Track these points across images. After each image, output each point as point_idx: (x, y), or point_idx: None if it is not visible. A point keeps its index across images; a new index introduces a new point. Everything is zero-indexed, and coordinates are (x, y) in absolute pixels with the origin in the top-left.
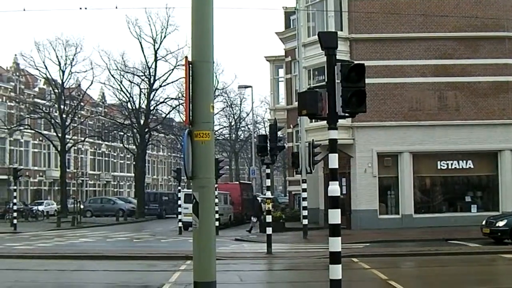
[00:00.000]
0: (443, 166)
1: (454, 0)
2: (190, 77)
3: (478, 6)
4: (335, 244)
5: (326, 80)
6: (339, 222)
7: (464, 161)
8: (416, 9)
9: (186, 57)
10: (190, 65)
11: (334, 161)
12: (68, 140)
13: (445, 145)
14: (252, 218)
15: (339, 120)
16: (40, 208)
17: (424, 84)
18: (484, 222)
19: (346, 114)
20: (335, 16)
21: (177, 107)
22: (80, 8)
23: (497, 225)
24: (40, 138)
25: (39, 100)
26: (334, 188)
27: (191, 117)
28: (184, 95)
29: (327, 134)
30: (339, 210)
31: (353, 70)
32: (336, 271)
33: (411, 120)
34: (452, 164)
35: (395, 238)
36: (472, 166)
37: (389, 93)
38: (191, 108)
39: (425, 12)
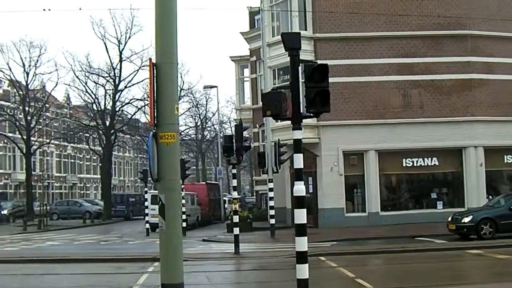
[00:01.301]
0: (409, 164)
1: None
2: (155, 79)
3: (441, 4)
4: (302, 243)
5: (290, 80)
6: (305, 221)
7: (429, 158)
8: (379, 9)
9: (150, 59)
10: (154, 67)
11: (299, 161)
12: (33, 142)
13: (410, 142)
14: None
15: (305, 120)
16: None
17: (388, 83)
18: (450, 219)
19: (311, 114)
20: (299, 15)
21: (143, 108)
22: (44, 10)
23: (462, 221)
24: (5, 141)
25: (3, 102)
26: (300, 188)
27: (155, 119)
28: (149, 96)
29: (292, 133)
30: (305, 210)
31: (316, 70)
32: (303, 271)
33: (376, 119)
34: (417, 161)
35: (362, 236)
36: (437, 163)
37: (354, 91)
38: (155, 109)
39: (389, 11)
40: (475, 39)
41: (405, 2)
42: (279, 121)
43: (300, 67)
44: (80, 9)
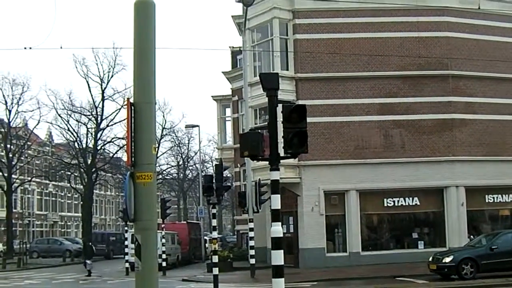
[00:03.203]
0: (390, 203)
1: (398, 39)
2: (132, 118)
3: (422, 45)
4: (279, 285)
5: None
6: (282, 263)
7: (411, 198)
8: (361, 49)
9: (128, 99)
10: (132, 106)
11: (276, 202)
12: (14, 180)
13: (391, 182)
14: (86, 260)
15: (286, 159)
16: None
17: (369, 123)
18: (431, 259)
19: (288, 155)
20: (281, 56)
21: (125, 146)
22: (25, 48)
23: (443, 261)
24: None
25: None
26: (277, 229)
27: (133, 159)
28: (126, 136)
29: (270, 174)
30: (282, 251)
31: (294, 111)
32: None
33: (357, 158)
34: (398, 201)
35: (343, 276)
36: (418, 203)
37: (335, 131)
38: (133, 149)
39: (370, 52)
40: (456, 79)
41: (386, 43)
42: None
43: (278, 108)
44: (61, 47)
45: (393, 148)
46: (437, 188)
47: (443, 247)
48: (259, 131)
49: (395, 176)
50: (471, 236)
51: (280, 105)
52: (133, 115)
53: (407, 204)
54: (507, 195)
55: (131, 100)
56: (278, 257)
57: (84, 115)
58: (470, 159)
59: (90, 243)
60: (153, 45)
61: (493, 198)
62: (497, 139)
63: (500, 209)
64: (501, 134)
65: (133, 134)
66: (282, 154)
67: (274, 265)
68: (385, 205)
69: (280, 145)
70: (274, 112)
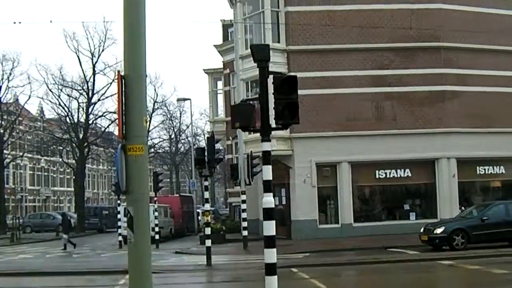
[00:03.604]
0: (382, 175)
1: (389, 11)
2: (123, 91)
3: (414, 17)
4: (271, 255)
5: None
6: (274, 233)
7: (402, 170)
8: (352, 21)
9: (119, 71)
10: (123, 79)
11: (267, 173)
12: (6, 155)
13: (383, 154)
14: (63, 235)
15: (278, 132)
16: None
17: (361, 95)
18: (422, 230)
19: (279, 126)
20: (272, 28)
21: (116, 120)
22: (14, 23)
23: (435, 232)
24: None
25: None
26: (268, 200)
27: (124, 131)
28: (117, 109)
29: (261, 145)
30: (274, 221)
31: (285, 82)
32: (272, 283)
33: (349, 130)
34: (390, 173)
35: (335, 248)
36: (410, 175)
37: (327, 103)
38: (124, 122)
39: (361, 24)
40: (448, 51)
41: (378, 15)
42: (251, 132)
43: (269, 79)
44: (51, 21)
45: (385, 120)
46: (429, 160)
47: (435, 218)
48: (251, 102)
49: (387, 148)
50: (462, 208)
51: (271, 77)
52: (123, 88)
53: (398, 176)
54: (498, 167)
55: (122, 73)
56: (270, 228)
57: (75, 89)
58: (462, 131)
59: (69, 217)
60: (144, 18)
61: (484, 169)
62: (488, 111)
63: (491, 181)
64: (493, 106)
65: (124, 107)
66: (273, 125)
67: (266, 235)
68: (377, 177)
69: (271, 116)
70: (265, 84)
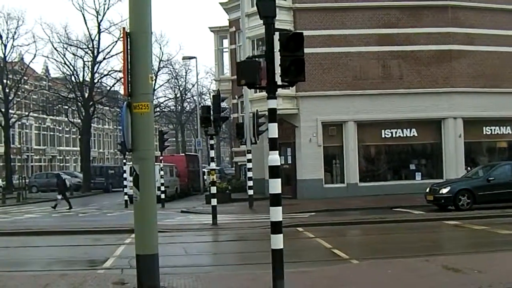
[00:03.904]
0: (388, 135)
1: None
2: (128, 49)
3: None
4: (276, 213)
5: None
6: (280, 191)
7: (408, 130)
8: None
9: (124, 28)
10: (128, 36)
11: (273, 130)
12: (11, 115)
13: (389, 113)
14: (57, 195)
15: (284, 90)
16: None
17: (368, 53)
18: (428, 190)
19: (285, 83)
20: None
21: (122, 79)
22: None
23: (440, 192)
24: None
25: None
26: (274, 158)
27: (129, 89)
28: (123, 67)
29: (267, 103)
30: (279, 179)
31: (291, 39)
32: (277, 241)
33: (355, 89)
34: (396, 132)
35: (340, 207)
36: (416, 134)
37: (333, 62)
38: (129, 79)
39: None
40: (456, 10)
41: None
42: (258, 91)
43: (275, 36)
44: None
45: (391, 79)
46: (435, 120)
47: (440, 178)
48: (256, 59)
49: (393, 107)
50: (468, 168)
51: (277, 33)
52: (129, 45)
53: (404, 135)
54: (504, 127)
55: (127, 31)
56: (275, 186)
57: (80, 48)
58: (468, 90)
59: (64, 178)
60: None
61: (491, 130)
62: (495, 71)
63: (497, 141)
64: (500, 66)
65: (129, 64)
66: (279, 82)
67: (272, 193)
68: (383, 136)
69: (277, 74)
70: (271, 40)
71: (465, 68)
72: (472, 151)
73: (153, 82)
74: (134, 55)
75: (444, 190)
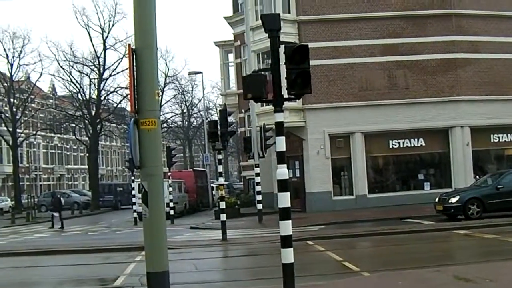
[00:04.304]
0: (395, 145)
1: None
2: (134, 65)
3: None
4: (286, 227)
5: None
6: (289, 205)
7: (416, 139)
8: None
9: (129, 44)
10: (134, 52)
11: (281, 144)
12: (19, 134)
13: (396, 123)
14: (53, 213)
15: (290, 103)
16: None
17: (373, 64)
18: (437, 199)
19: (292, 96)
20: None
21: (128, 96)
22: None
23: (449, 201)
24: None
25: None
26: (282, 172)
27: (136, 105)
28: (129, 83)
29: (274, 116)
30: (288, 193)
31: (297, 51)
32: (288, 255)
33: (361, 100)
34: (403, 142)
35: (350, 219)
36: (423, 144)
37: (338, 74)
38: (136, 96)
39: None
40: (460, 18)
41: None
42: (264, 105)
43: (280, 49)
44: None
45: (397, 89)
46: (442, 129)
47: (449, 187)
48: (262, 73)
49: (400, 117)
50: (477, 176)
51: (282, 46)
52: (134, 61)
53: (412, 145)
54: None
55: (133, 46)
56: (284, 199)
57: (86, 65)
58: (475, 98)
59: (59, 196)
60: None
61: (498, 137)
62: (501, 78)
63: (505, 149)
64: (505, 73)
65: (135, 81)
66: (286, 95)
67: (281, 207)
68: (391, 146)
69: (284, 86)
70: (276, 53)
71: (471, 76)
72: (480, 159)
73: (160, 98)
74: (140, 71)
75: (453, 200)
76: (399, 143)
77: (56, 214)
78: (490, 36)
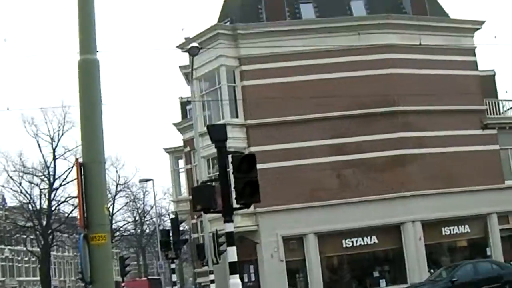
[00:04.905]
0: (349, 244)
1: (344, 79)
2: (82, 179)
3: (368, 83)
4: None
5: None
6: None
7: (369, 237)
8: (307, 91)
9: (77, 159)
10: (82, 167)
11: (232, 254)
12: None
13: (349, 222)
14: None
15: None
16: None
17: (322, 164)
18: None
19: (241, 206)
20: (230, 103)
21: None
22: None
23: None
24: None
25: None
26: (235, 282)
27: (85, 220)
28: (78, 198)
29: (224, 226)
30: None
31: (243, 160)
32: None
33: (313, 201)
34: (357, 241)
35: None
36: (376, 241)
37: (289, 175)
38: (85, 210)
39: (317, 94)
40: (405, 115)
41: (333, 84)
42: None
43: (228, 159)
44: (8, 109)
45: (347, 188)
46: (394, 225)
47: (404, 283)
48: (212, 183)
49: (352, 216)
50: (431, 270)
51: (229, 156)
52: (82, 175)
53: (365, 243)
54: (463, 226)
55: (80, 161)
56: None
57: (36, 175)
58: (424, 193)
59: None
60: (99, 103)
61: (450, 230)
62: (449, 171)
63: (457, 241)
64: (453, 166)
65: (84, 196)
66: (235, 205)
67: None
68: (344, 246)
69: (233, 197)
70: (223, 165)
71: (419, 171)
72: (434, 253)
73: (110, 211)
74: (88, 186)
75: None
76: (352, 241)
77: None
78: (436, 131)
